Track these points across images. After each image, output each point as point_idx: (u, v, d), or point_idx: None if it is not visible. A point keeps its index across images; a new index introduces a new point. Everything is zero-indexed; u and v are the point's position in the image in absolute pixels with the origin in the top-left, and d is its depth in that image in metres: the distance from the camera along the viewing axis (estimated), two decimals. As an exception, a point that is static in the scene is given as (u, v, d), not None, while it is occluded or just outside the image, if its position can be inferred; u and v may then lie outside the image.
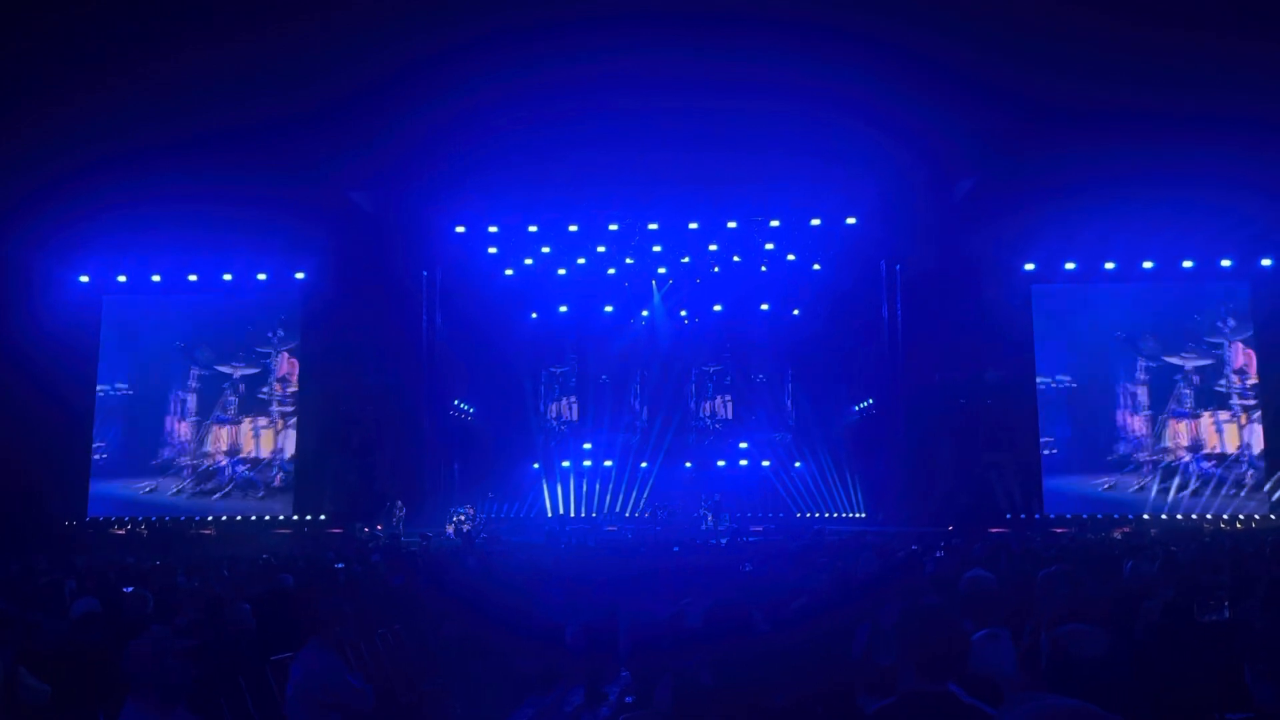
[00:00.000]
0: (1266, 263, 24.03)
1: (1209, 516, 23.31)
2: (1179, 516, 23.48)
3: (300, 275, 25.31)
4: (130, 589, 8.77)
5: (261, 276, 25.44)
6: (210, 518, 24.66)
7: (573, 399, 28.86)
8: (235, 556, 15.01)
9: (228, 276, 25.50)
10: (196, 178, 21.87)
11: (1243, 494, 23.65)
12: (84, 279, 25.32)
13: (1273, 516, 23.20)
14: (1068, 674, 2.95)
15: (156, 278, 25.55)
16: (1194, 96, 19.17)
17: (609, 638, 9.97)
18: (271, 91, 19.46)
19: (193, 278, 25.57)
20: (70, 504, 24.56)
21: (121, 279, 25.49)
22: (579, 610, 10.92)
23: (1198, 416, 24.26)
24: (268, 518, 24.71)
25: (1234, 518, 23.26)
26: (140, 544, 21.08)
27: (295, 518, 24.65)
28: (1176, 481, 23.90)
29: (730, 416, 28.64)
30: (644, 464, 27.81)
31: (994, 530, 21.26)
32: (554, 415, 28.92)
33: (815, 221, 25.10)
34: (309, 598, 8.62)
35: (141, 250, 25.08)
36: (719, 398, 28.78)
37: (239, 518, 24.65)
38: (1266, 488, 23.57)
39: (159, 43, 18.53)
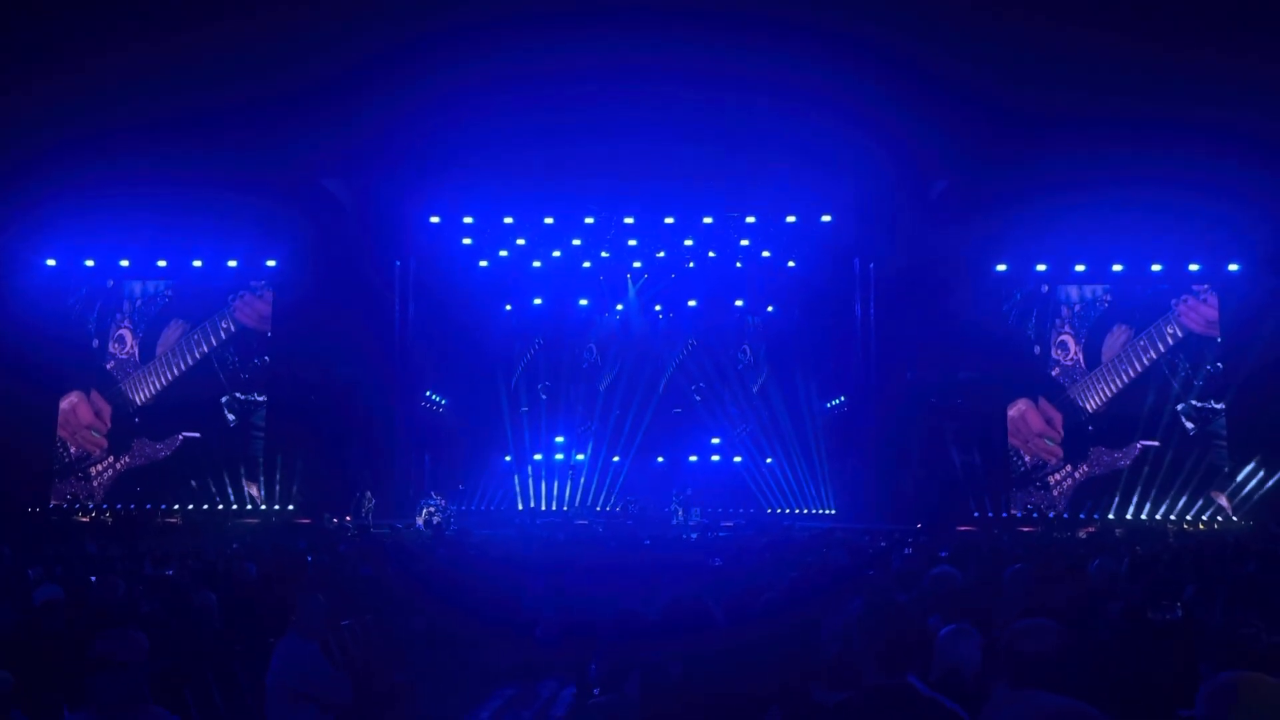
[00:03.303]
0: (1234, 267, 24.36)
1: (1173, 518, 23.64)
2: (1144, 518, 23.80)
3: (272, 263, 25.10)
4: (94, 577, 8.67)
5: (232, 263, 25.20)
6: (177, 506, 24.43)
7: (545, 392, 28.75)
8: (202, 546, 14.88)
9: (198, 263, 25.24)
10: (168, 162, 21.64)
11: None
12: (51, 263, 24.97)
13: (1235, 518, 23.57)
14: (1019, 669, 2.99)
15: (125, 262, 25.26)
16: (1164, 103, 19.42)
17: (578, 631, 9.98)
18: (246, 76, 19.26)
19: (162, 263, 25.29)
20: (34, 491, 24.25)
21: (89, 263, 25.17)
22: (549, 603, 10.93)
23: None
24: (235, 507, 24.50)
25: (1197, 519, 23.62)
26: (105, 532, 20.82)
27: (264, 507, 24.46)
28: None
29: (702, 412, 28.65)
30: (616, 458, 27.81)
31: (962, 528, 21.47)
32: (525, 408, 28.82)
33: (791, 219, 25.18)
34: (281, 588, 8.57)
35: (110, 234, 24.75)
36: (691, 393, 28.78)
37: (206, 506, 24.43)
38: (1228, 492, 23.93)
39: (131, 24, 18.29)
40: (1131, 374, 24.67)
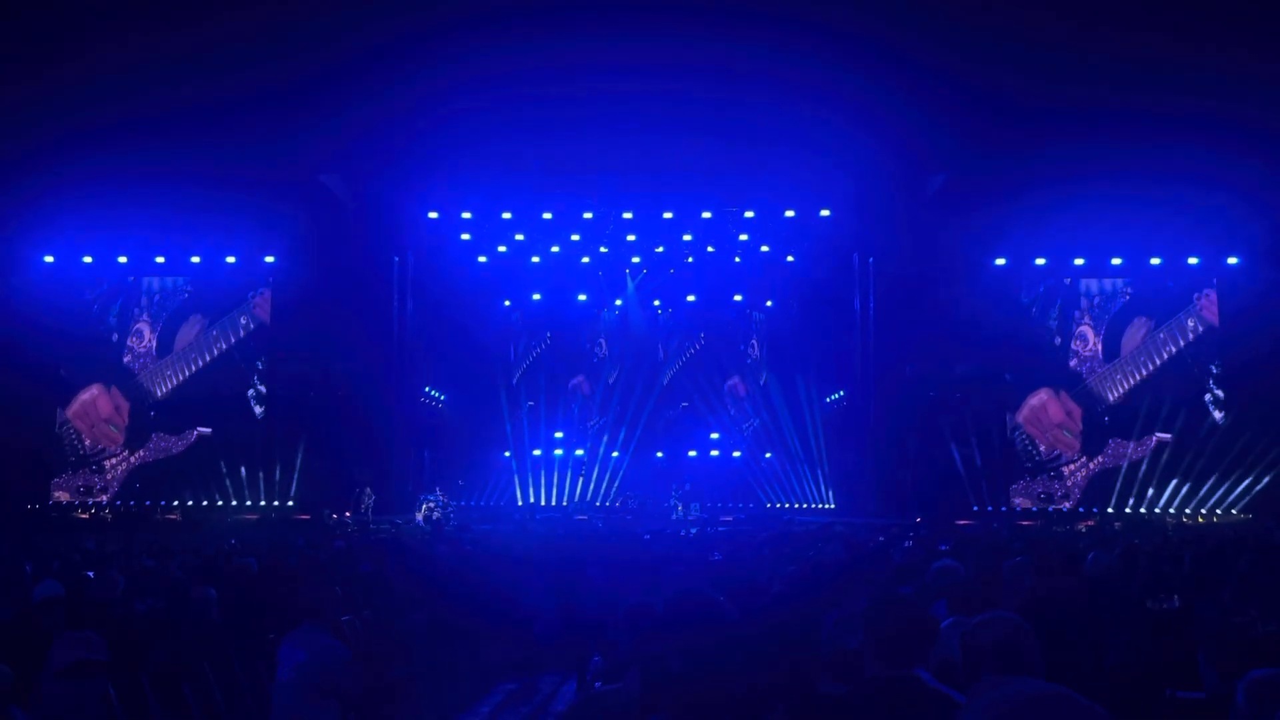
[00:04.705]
0: (1233, 260, 24.34)
1: (1171, 511, 23.67)
2: (1142, 511, 23.82)
3: (270, 259, 25.05)
4: (92, 573, 8.67)
5: (231, 259, 25.15)
6: (176, 503, 24.42)
7: (544, 387, 28.75)
8: (201, 541, 14.90)
9: (196, 259, 25.20)
10: (166, 157, 21.60)
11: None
12: (49, 259, 24.92)
13: (1234, 512, 23.59)
14: (978, 659, 3.01)
15: (123, 259, 25.20)
16: (1163, 96, 19.41)
17: (578, 626, 9.98)
18: (243, 71, 19.23)
19: (160, 259, 25.24)
20: (33, 488, 24.23)
21: (87, 260, 25.12)
22: (549, 598, 10.93)
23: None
24: (234, 503, 24.49)
25: (1196, 512, 23.64)
26: (105, 528, 20.83)
27: (263, 503, 24.45)
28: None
29: (702, 407, 28.66)
30: (615, 453, 27.81)
31: (961, 522, 21.48)
32: (525, 405, 28.82)
33: (789, 213, 25.15)
34: (280, 584, 8.57)
35: (108, 231, 24.70)
36: (691, 387, 28.78)
37: (205, 503, 24.41)
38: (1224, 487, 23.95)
39: (128, 19, 18.25)
40: (1151, 367, 24.59)
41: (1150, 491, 24.08)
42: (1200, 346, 24.55)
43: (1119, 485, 24.24)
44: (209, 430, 24.86)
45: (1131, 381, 24.64)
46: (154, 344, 25.31)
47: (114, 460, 25.09)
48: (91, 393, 25.09)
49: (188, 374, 25.21)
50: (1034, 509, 24.17)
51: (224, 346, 25.23)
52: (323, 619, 5.70)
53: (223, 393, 25.01)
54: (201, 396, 25.00)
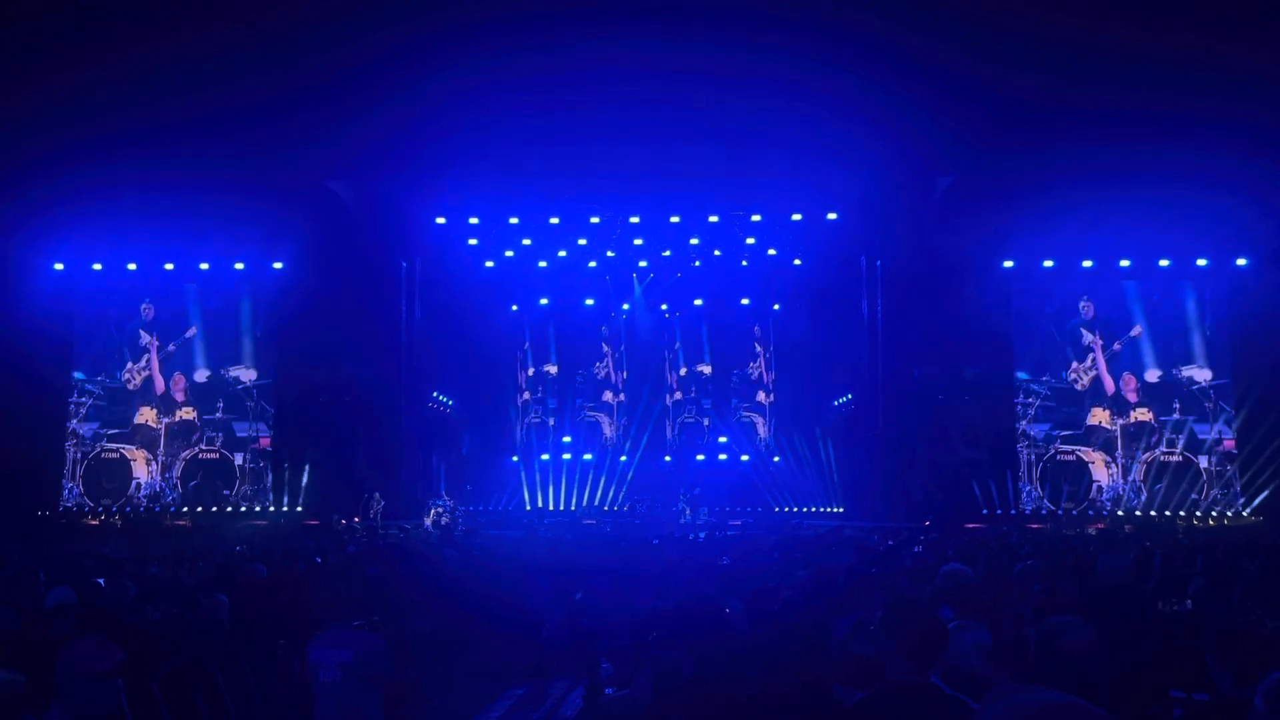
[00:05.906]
0: (1242, 262, 24.25)
1: (1182, 514, 23.56)
2: (1153, 514, 23.71)
3: (278, 265, 25.11)
4: (102, 580, 8.68)
5: (239, 266, 25.23)
6: (185, 509, 24.47)
7: (552, 392, 28.79)
8: (211, 548, 14.93)
9: (204, 265, 25.28)
10: (174, 165, 21.67)
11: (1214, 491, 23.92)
12: (58, 266, 25.02)
13: (1244, 514, 23.50)
14: (1053, 666, 3.00)
15: (132, 266, 25.28)
16: (1171, 97, 19.35)
17: (586, 631, 9.99)
18: (250, 78, 19.31)
19: (169, 266, 25.32)
20: (44, 494, 24.30)
21: (97, 267, 25.21)
22: (557, 603, 10.94)
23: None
24: (244, 509, 24.54)
25: (1207, 515, 23.53)
26: (114, 534, 20.88)
27: (271, 509, 24.50)
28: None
29: (709, 410, 28.68)
30: (623, 457, 27.82)
31: (971, 525, 21.41)
32: (533, 409, 28.85)
33: (796, 217, 25.11)
34: (291, 590, 8.58)
35: (117, 238, 24.80)
36: (698, 391, 28.80)
37: (214, 509, 24.47)
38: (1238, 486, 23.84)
39: (135, 27, 18.34)
40: (1181, 378, 24.41)
41: (1188, 499, 23.95)
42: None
43: (1159, 497, 24.05)
44: (238, 448, 24.87)
45: (1162, 394, 24.48)
46: (177, 359, 25.31)
47: (145, 473, 25.10)
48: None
49: (213, 389, 25.20)
50: (1059, 513, 23.99)
51: (249, 361, 25.26)
52: (345, 617, 5.75)
53: (244, 405, 25.01)
54: (224, 409, 25.00)
